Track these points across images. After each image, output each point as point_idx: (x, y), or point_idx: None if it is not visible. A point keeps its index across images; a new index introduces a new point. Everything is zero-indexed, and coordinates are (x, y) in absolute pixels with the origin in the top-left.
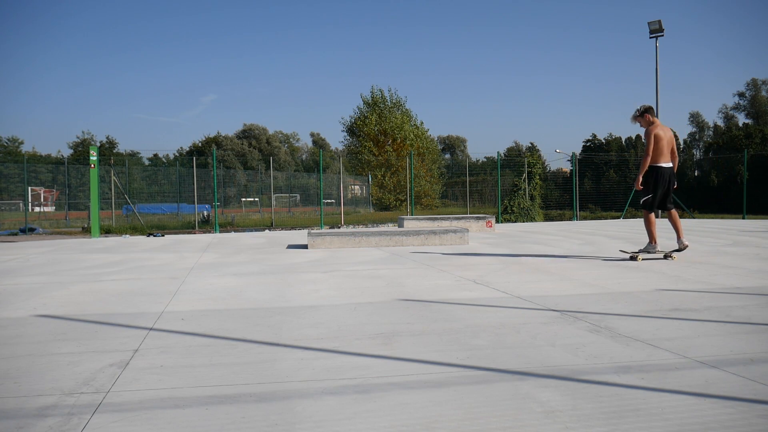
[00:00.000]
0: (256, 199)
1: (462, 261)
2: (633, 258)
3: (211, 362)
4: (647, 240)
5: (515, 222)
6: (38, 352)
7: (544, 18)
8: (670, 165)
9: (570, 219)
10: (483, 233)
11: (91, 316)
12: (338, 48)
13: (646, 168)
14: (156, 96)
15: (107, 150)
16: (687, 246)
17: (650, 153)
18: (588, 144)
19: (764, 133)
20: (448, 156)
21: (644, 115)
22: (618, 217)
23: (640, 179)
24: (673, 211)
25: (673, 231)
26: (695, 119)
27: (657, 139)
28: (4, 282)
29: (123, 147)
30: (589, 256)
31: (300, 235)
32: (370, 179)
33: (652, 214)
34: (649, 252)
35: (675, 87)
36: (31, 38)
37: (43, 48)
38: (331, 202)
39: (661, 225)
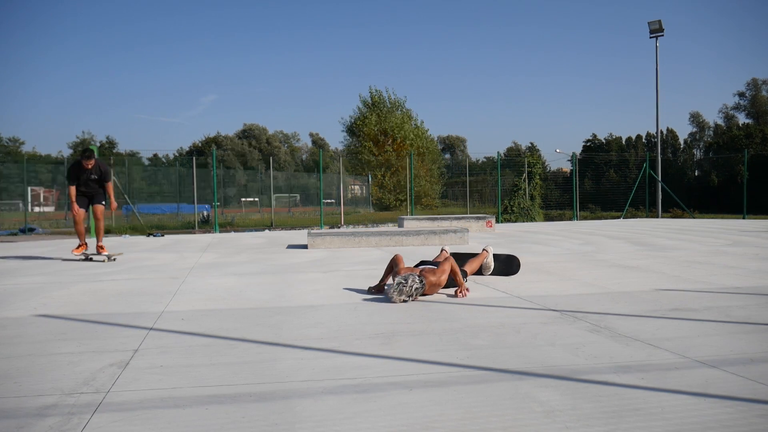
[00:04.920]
0: (256, 199)
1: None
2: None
3: (211, 362)
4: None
5: (515, 222)
6: (38, 352)
7: (544, 18)
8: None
9: (570, 219)
10: (483, 233)
11: (91, 316)
12: (338, 48)
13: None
14: (156, 96)
15: (107, 150)
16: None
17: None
18: (588, 144)
19: (764, 133)
20: (448, 156)
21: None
22: (618, 217)
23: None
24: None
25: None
26: (695, 119)
27: None
28: (4, 282)
29: (123, 147)
30: (589, 256)
31: (300, 235)
32: (370, 179)
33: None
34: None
35: (675, 87)
36: (31, 38)
37: (43, 48)
38: (331, 202)
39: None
